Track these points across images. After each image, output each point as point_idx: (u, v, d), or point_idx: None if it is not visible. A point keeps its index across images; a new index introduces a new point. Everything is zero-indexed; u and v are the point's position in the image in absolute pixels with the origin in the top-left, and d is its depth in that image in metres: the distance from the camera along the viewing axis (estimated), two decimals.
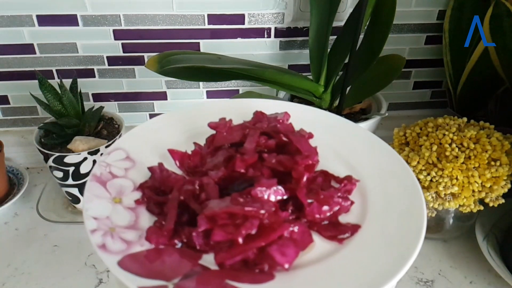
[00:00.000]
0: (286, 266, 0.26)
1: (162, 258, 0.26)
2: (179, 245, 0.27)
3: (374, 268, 0.26)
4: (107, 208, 0.29)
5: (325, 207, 0.29)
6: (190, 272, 0.25)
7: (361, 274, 0.26)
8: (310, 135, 0.33)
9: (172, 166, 0.33)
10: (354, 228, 0.29)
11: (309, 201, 0.29)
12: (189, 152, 0.34)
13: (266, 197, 0.28)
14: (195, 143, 0.34)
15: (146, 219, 0.29)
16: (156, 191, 0.30)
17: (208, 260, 0.27)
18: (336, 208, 0.30)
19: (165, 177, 0.31)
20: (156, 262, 0.26)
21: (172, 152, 0.33)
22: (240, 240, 0.26)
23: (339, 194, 0.31)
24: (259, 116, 0.35)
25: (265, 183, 0.28)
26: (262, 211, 0.26)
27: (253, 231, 0.26)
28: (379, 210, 0.31)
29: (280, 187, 0.28)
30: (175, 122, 0.39)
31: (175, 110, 0.41)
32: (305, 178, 0.29)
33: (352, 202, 0.31)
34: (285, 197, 0.29)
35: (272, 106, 0.42)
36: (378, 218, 0.30)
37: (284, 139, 0.32)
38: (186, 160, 0.33)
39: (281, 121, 0.35)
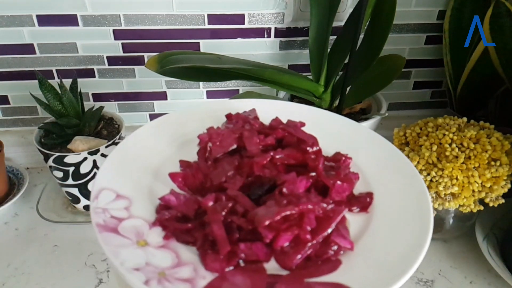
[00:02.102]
0: (349, 246, 0.27)
1: (232, 283, 0.25)
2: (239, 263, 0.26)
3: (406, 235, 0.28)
4: (140, 255, 0.26)
5: (346, 184, 0.30)
6: (269, 285, 0.25)
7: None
8: (302, 124, 0.34)
9: (168, 186, 0.31)
10: (369, 195, 0.31)
11: (339, 182, 0.30)
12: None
13: (297, 191, 0.28)
14: (180, 161, 0.33)
15: (186, 251, 0.27)
16: (177, 220, 0.28)
17: (269, 268, 0.26)
18: (355, 182, 0.31)
19: (184, 203, 0.29)
20: None
21: (173, 175, 0.31)
22: (308, 236, 0.26)
23: (347, 170, 0.32)
24: (241, 117, 0.35)
25: (289, 178, 0.28)
26: (321, 205, 0.27)
27: (314, 225, 0.27)
28: (386, 207, 0.31)
29: (302, 178, 0.29)
30: (155, 135, 0.37)
31: (156, 120, 0.39)
32: (321, 164, 0.30)
33: (357, 173, 0.32)
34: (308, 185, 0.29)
35: (272, 106, 0.42)
36: (385, 215, 0.31)
37: (284, 133, 0.33)
38: (190, 180, 0.31)
39: (256, 117, 0.35)
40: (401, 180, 0.33)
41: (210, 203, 0.27)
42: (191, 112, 0.41)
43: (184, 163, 0.33)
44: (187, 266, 0.26)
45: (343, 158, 0.33)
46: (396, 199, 0.31)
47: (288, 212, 0.26)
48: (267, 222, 0.25)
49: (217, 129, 0.33)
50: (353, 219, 0.30)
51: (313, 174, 0.30)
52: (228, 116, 0.36)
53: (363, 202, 0.31)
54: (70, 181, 0.57)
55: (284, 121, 0.35)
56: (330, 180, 0.30)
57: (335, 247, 0.27)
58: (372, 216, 0.30)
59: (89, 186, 0.58)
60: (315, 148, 0.31)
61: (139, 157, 0.34)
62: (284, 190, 0.28)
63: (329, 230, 0.27)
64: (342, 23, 0.60)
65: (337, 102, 0.58)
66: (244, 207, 0.27)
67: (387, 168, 0.34)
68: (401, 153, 0.35)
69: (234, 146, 0.32)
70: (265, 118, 0.36)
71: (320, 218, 0.27)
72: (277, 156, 0.31)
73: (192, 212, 0.28)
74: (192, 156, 0.34)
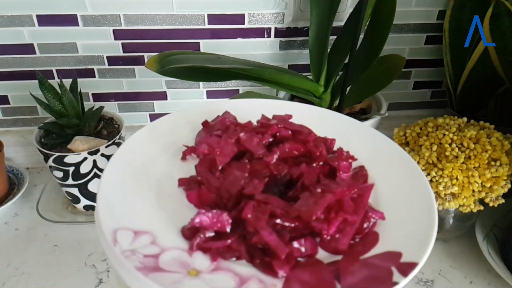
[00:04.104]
0: (383, 216, 0.29)
1: (304, 282, 0.25)
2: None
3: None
4: (201, 285, 0.25)
5: (348, 163, 0.32)
6: (335, 273, 0.25)
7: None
8: (289, 116, 0.35)
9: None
10: (362, 168, 0.33)
11: (344, 163, 0.32)
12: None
13: (314, 179, 0.29)
14: (180, 180, 0.31)
15: (240, 267, 0.26)
16: (213, 239, 0.27)
17: (319, 258, 0.27)
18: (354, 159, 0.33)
19: (217, 220, 0.28)
20: None
21: (189, 196, 0.30)
22: (356, 217, 0.27)
23: (342, 150, 0.33)
24: (226, 121, 0.35)
25: (305, 170, 0.29)
26: (353, 186, 0.28)
27: (353, 206, 0.28)
28: (391, 203, 0.32)
29: (315, 167, 0.30)
30: (150, 145, 0.35)
31: (149, 125, 0.37)
32: (324, 150, 0.31)
33: (347, 151, 0.34)
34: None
35: (273, 106, 0.42)
36: (392, 193, 0.32)
37: (278, 129, 0.33)
38: (206, 196, 0.30)
39: (236, 119, 0.36)
40: (402, 172, 0.34)
41: (249, 215, 0.27)
42: (186, 115, 0.39)
43: (183, 182, 0.31)
44: (252, 281, 0.25)
45: (328, 140, 0.34)
46: (398, 186, 0.32)
47: (330, 200, 0.27)
48: (317, 215, 0.26)
49: (213, 138, 0.32)
50: None
51: (317, 161, 0.31)
52: (205, 124, 0.35)
53: (362, 175, 0.33)
54: (70, 181, 0.57)
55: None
56: (335, 162, 0.31)
57: (371, 221, 0.28)
58: (377, 192, 0.32)
59: (90, 187, 0.58)
60: (314, 136, 0.33)
61: (137, 178, 0.32)
62: (309, 180, 0.29)
63: (365, 209, 0.28)
64: (342, 23, 0.60)
65: (337, 102, 0.58)
66: (279, 207, 0.27)
67: (389, 163, 0.35)
68: (403, 150, 0.36)
69: (237, 152, 0.32)
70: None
71: (353, 198, 0.28)
72: (284, 151, 0.31)
73: (227, 227, 0.27)
74: (192, 163, 0.33)
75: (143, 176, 0.32)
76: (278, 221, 0.27)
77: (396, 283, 0.24)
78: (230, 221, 0.27)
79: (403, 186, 0.32)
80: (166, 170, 0.33)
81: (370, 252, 0.27)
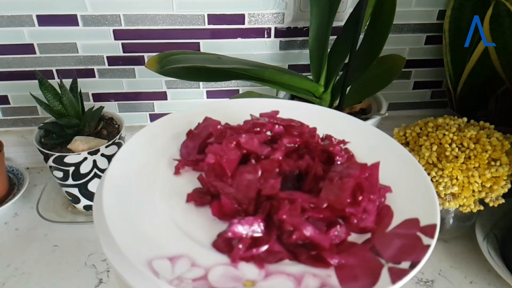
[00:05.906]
0: (390, 189, 0.31)
1: (353, 265, 0.25)
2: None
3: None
4: None
5: (339, 147, 0.33)
6: (373, 250, 0.26)
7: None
8: (276, 112, 0.35)
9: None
10: (347, 150, 0.34)
11: (338, 148, 0.33)
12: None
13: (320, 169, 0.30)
14: (189, 196, 0.30)
15: (287, 266, 0.26)
16: (251, 247, 0.27)
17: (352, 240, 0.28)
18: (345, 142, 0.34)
19: (251, 228, 0.27)
20: (358, 271, 0.25)
21: (213, 208, 0.29)
22: (377, 196, 0.29)
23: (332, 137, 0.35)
24: (222, 127, 0.35)
25: (311, 163, 0.30)
26: (364, 168, 0.29)
27: (369, 186, 0.29)
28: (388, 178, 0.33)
29: (315, 155, 0.31)
30: (149, 151, 0.34)
31: (145, 129, 0.36)
32: (319, 139, 0.32)
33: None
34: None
35: (274, 106, 0.41)
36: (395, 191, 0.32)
37: (272, 126, 0.34)
38: (228, 206, 0.29)
39: (218, 124, 0.35)
40: (400, 163, 0.34)
41: (285, 216, 0.27)
42: (186, 115, 0.39)
43: (192, 197, 0.30)
44: (306, 277, 0.25)
45: (313, 128, 0.34)
46: (397, 173, 0.33)
47: (353, 185, 0.28)
48: (348, 201, 0.27)
49: (215, 146, 0.31)
50: None
51: (316, 150, 0.32)
52: (189, 133, 0.35)
53: (352, 156, 0.34)
54: (70, 181, 0.57)
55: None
56: (331, 148, 0.32)
57: (381, 196, 0.30)
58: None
59: (90, 187, 0.58)
60: (308, 127, 0.33)
61: (143, 198, 0.30)
62: (317, 172, 0.30)
63: (379, 184, 0.29)
64: (342, 23, 0.60)
65: (337, 102, 0.58)
66: (306, 201, 0.28)
67: (389, 158, 0.35)
68: (404, 148, 0.36)
69: (241, 156, 0.31)
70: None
71: (366, 178, 0.29)
72: (285, 146, 0.32)
73: (262, 232, 0.27)
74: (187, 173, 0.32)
75: (146, 193, 0.30)
76: (309, 214, 0.27)
77: (428, 246, 0.26)
78: (263, 225, 0.27)
79: (400, 172, 0.33)
80: (170, 183, 0.32)
81: (392, 224, 0.28)
